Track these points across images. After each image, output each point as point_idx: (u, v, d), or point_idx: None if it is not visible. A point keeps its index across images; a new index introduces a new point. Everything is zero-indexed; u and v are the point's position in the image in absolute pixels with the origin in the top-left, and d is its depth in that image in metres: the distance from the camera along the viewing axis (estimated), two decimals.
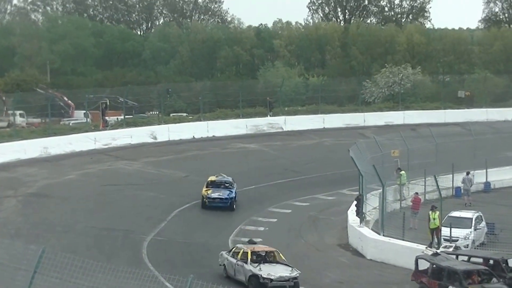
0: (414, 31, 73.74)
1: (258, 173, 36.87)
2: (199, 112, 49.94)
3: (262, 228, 28.11)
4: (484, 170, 34.45)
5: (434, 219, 24.13)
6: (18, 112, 46.77)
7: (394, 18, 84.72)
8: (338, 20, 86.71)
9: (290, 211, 31.20)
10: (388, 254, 24.07)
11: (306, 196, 33.45)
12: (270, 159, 40.86)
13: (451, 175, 32.62)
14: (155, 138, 45.28)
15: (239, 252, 21.78)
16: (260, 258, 21.63)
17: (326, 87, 55.95)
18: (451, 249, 22.05)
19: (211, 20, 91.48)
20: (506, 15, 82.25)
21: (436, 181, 26.67)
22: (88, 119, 47.05)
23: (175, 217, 29.35)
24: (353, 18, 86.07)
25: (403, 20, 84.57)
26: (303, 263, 23.45)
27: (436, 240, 24.02)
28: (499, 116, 49.99)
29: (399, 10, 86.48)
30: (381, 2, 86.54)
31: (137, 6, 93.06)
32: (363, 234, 25.29)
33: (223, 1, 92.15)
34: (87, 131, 43.53)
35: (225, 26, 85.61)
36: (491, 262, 20.58)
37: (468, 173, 32.42)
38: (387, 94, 57.13)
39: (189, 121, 49.24)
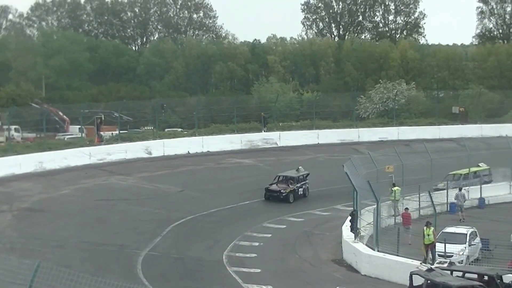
0: (408, 47, 74.12)
1: (253, 188, 36.90)
2: (194, 127, 50.04)
3: (256, 243, 28.05)
4: (479, 186, 34.47)
5: (428, 235, 24.10)
6: (13, 127, 46.78)
7: (388, 34, 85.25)
8: (332, 36, 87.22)
9: (284, 226, 31.15)
10: (383, 269, 24.01)
11: (301, 212, 33.47)
12: (265, 174, 40.72)
13: (446, 190, 32.68)
14: (150, 153, 45.35)
15: None
16: None
17: (320, 102, 56.19)
18: (445, 265, 21.99)
19: (206, 36, 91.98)
20: (500, 31, 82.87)
21: (431, 197, 26.70)
22: (83, 134, 47.12)
23: (170, 232, 29.31)
24: (347, 33, 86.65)
25: (397, 36, 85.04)
26: (298, 278, 23.46)
27: (430, 255, 24.02)
28: (493, 132, 50.02)
29: (393, 26, 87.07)
30: (375, 18, 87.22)
31: (132, 21, 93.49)
32: (358, 250, 25.21)
33: (217, 17, 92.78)
34: (82, 146, 43.63)
35: (220, 42, 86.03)
36: (486, 278, 20.54)
37: (460, 189, 32.51)
38: (381, 110, 57.35)
39: (184, 136, 49.37)
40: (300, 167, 37.45)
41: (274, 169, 41.22)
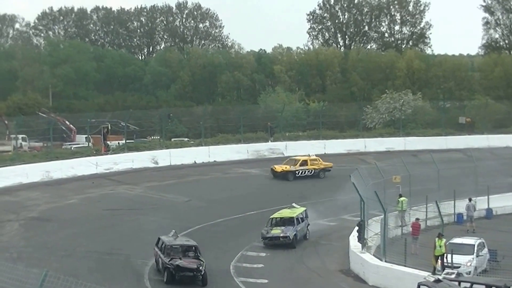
0: (414, 57, 74.25)
1: (260, 198, 36.90)
2: (201, 137, 50.15)
3: (263, 254, 28.00)
4: (486, 197, 34.35)
5: (440, 246, 24.04)
6: (20, 136, 47.04)
7: (394, 44, 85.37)
8: (338, 46, 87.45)
9: None
10: (390, 280, 23.97)
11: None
12: (271, 184, 40.94)
13: (453, 201, 32.59)
14: (156, 162, 45.48)
15: None
16: None
17: (326, 112, 56.34)
18: (453, 276, 21.97)
19: (212, 45, 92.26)
20: (506, 41, 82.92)
21: (438, 207, 26.72)
22: (90, 144, 47.28)
23: None
24: (353, 43, 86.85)
25: (403, 46, 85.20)
26: None
27: (439, 267, 23.94)
28: (500, 142, 50.13)
29: (399, 36, 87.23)
30: (381, 28, 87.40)
31: (138, 31, 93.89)
32: (365, 260, 25.18)
33: (223, 26, 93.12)
34: (88, 155, 43.85)
35: (226, 51, 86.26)
36: None
37: (470, 200, 32.44)
38: (388, 120, 57.37)
39: (190, 146, 49.55)
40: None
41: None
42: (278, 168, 42.31)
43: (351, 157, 48.02)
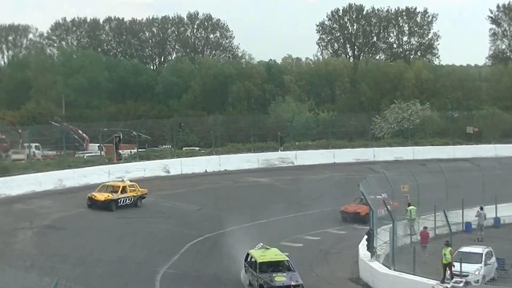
0: (423, 67, 74.63)
1: (270, 207, 37.07)
2: (211, 146, 50.54)
3: None
4: (494, 206, 34.38)
5: (445, 254, 24.20)
6: (33, 145, 47.55)
7: (402, 55, 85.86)
8: (348, 56, 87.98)
9: (301, 245, 31.27)
10: None
11: (318, 230, 33.46)
12: (281, 193, 41.01)
13: (461, 210, 32.73)
14: (168, 171, 45.86)
15: None
16: None
17: (336, 122, 56.64)
18: (461, 284, 22.19)
19: (223, 56, 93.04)
20: None
21: (446, 216, 26.89)
22: (102, 152, 47.73)
23: (188, 250, 29.55)
24: (362, 54, 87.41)
25: (411, 57, 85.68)
26: None
27: (448, 275, 24.10)
28: (507, 152, 50.06)
29: (408, 47, 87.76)
30: (390, 39, 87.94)
31: (150, 41, 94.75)
32: (374, 268, 25.34)
33: (234, 37, 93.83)
34: (101, 164, 44.27)
35: (236, 61, 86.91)
36: None
37: (482, 208, 32.58)
38: (397, 130, 57.62)
39: (201, 155, 49.85)
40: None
41: (291, 188, 41.54)
42: (100, 196, 35.80)
43: (360, 166, 48.17)
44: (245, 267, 25.43)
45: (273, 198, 39.13)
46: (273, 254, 25.02)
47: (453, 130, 55.85)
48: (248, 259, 25.24)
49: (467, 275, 23.95)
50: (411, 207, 31.21)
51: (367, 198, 27.26)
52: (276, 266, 24.20)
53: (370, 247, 26.51)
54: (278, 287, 23.21)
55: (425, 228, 28.74)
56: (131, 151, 49.35)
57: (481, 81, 74.71)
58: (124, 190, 36.45)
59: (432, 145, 53.58)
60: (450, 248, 24.31)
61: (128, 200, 36.53)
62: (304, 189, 41.75)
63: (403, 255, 25.69)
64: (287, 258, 24.73)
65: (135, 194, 36.93)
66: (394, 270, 24.82)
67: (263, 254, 24.95)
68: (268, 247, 25.66)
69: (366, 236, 27.25)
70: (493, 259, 25.79)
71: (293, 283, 23.34)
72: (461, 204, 32.64)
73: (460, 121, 59.39)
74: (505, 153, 49.93)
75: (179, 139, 53.47)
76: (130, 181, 38.18)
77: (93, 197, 35.85)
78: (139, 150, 48.12)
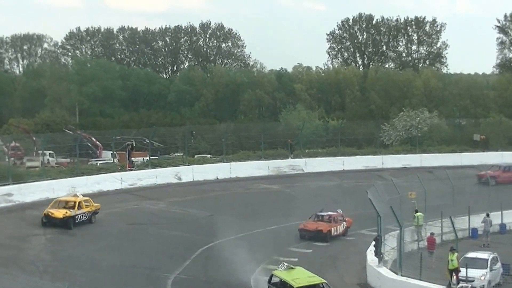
0: (431, 76, 74.93)
1: (280, 213, 37.38)
2: (223, 153, 50.98)
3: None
4: (500, 212, 34.65)
5: (452, 260, 24.42)
6: (48, 152, 48.10)
7: (411, 64, 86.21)
8: (357, 65, 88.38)
9: (310, 250, 31.65)
10: None
11: None
12: (291, 199, 41.15)
13: (467, 216, 33.02)
14: (179, 178, 46.21)
15: None
16: None
17: (345, 130, 56.87)
18: None
19: (234, 64, 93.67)
20: None
21: (452, 223, 27.23)
22: (115, 160, 48.26)
23: (199, 255, 29.89)
24: (371, 63, 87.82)
25: (420, 65, 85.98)
26: None
27: (454, 281, 24.36)
28: None
29: (416, 56, 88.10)
30: (399, 48, 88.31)
31: (163, 50, 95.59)
32: (382, 274, 25.59)
33: (245, 46, 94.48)
34: (113, 171, 44.52)
35: (248, 70, 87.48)
36: None
37: (488, 215, 32.88)
38: (405, 137, 57.85)
39: (212, 162, 50.15)
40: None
41: (301, 194, 41.89)
42: (58, 213, 33.01)
43: (369, 173, 48.38)
44: None
45: (283, 204, 39.36)
46: (306, 276, 22.12)
47: (461, 137, 55.88)
48: (273, 281, 22.69)
49: (473, 281, 24.23)
50: (418, 214, 31.53)
51: (374, 205, 27.58)
52: None
53: (378, 253, 26.69)
54: None
55: (432, 234, 29.08)
56: (143, 159, 49.78)
57: (488, 90, 74.86)
58: (80, 205, 33.77)
59: (439, 152, 53.66)
60: (456, 254, 24.58)
61: (84, 216, 33.88)
62: (314, 196, 42.08)
63: (410, 261, 25.97)
64: (324, 280, 22.27)
65: (90, 210, 34.38)
66: (401, 275, 25.02)
67: (294, 276, 21.87)
68: (293, 266, 23.03)
69: (374, 242, 27.51)
70: (499, 264, 26.04)
71: None
72: (468, 211, 32.93)
73: (467, 129, 59.51)
74: (511, 160, 49.91)
75: (190, 146, 53.84)
76: (83, 195, 35.69)
77: (50, 214, 32.85)
78: (151, 157, 48.54)
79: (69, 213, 33.12)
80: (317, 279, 22.03)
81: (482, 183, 38.78)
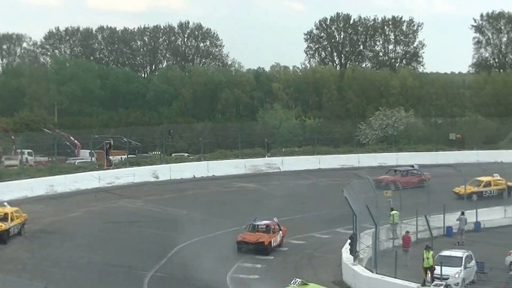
0: (408, 75, 75.56)
1: (256, 212, 37.35)
2: (200, 152, 51.12)
3: (259, 265, 28.68)
4: (474, 210, 35.02)
5: (427, 258, 24.42)
6: (26, 151, 47.93)
7: (388, 63, 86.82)
8: (334, 64, 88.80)
9: (286, 248, 31.74)
10: None
11: (302, 234, 33.91)
12: (268, 198, 41.33)
13: (442, 215, 33.34)
14: (157, 177, 46.32)
15: None
16: None
17: (322, 129, 57.31)
18: (441, 287, 22.89)
19: (212, 64, 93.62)
20: (496, 60, 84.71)
21: (427, 221, 27.40)
22: (93, 159, 48.19)
23: (176, 253, 29.95)
24: (348, 62, 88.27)
25: (397, 65, 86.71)
26: None
27: (429, 278, 24.69)
28: (489, 158, 50.57)
29: (393, 55, 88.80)
30: (376, 47, 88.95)
31: (142, 49, 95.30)
32: (357, 272, 25.79)
33: (223, 46, 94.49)
34: (91, 170, 44.67)
35: (226, 70, 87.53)
36: None
37: (463, 213, 33.11)
38: (381, 136, 58.38)
39: (190, 161, 50.34)
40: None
41: (278, 193, 42.11)
42: None
43: (345, 172, 48.68)
44: None
45: (260, 203, 39.47)
46: None
47: (437, 136, 56.45)
48: None
49: (447, 278, 24.39)
50: (394, 212, 31.68)
51: (350, 203, 27.78)
52: None
53: (353, 251, 26.86)
54: None
55: (407, 232, 29.30)
56: (121, 157, 49.79)
57: (464, 89, 75.83)
58: (12, 217, 30.57)
59: (415, 151, 54.20)
60: (431, 252, 24.70)
61: (16, 228, 30.83)
62: (290, 194, 42.26)
63: (386, 259, 26.06)
64: None
65: (20, 221, 31.34)
66: (376, 273, 25.19)
67: None
68: (306, 282, 21.75)
69: (349, 240, 27.69)
70: (473, 262, 26.21)
71: None
72: (443, 209, 33.28)
73: (443, 127, 59.99)
74: (487, 159, 50.42)
75: (168, 145, 53.95)
76: (5, 206, 32.23)
77: None
78: (129, 156, 48.62)
79: (4, 226, 29.74)
80: None
81: (381, 188, 37.85)
